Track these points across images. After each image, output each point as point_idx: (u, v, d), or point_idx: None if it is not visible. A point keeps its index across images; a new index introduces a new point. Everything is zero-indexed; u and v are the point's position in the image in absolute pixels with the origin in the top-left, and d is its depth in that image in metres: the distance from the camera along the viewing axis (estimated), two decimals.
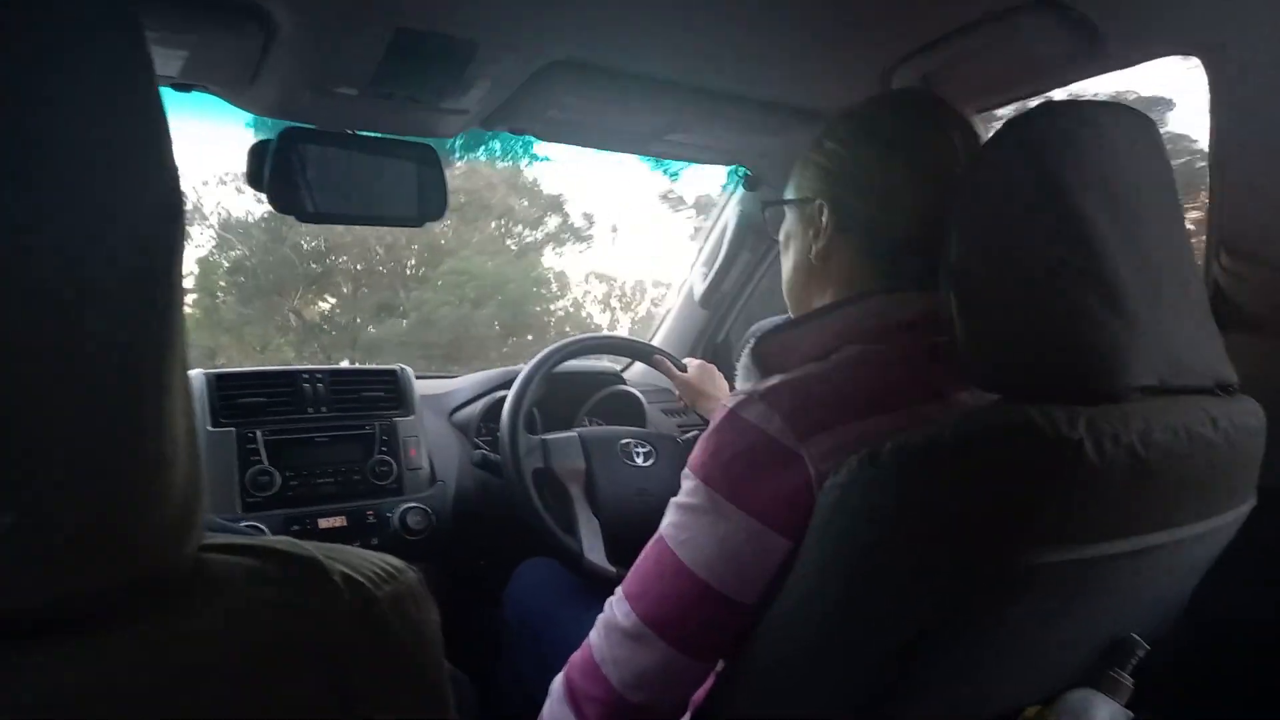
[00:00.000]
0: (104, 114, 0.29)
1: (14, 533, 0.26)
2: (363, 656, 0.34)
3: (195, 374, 1.38)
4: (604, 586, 0.99)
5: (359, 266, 8.84)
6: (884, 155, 0.78)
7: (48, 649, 0.28)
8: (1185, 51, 0.94)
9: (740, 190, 1.67)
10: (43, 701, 0.28)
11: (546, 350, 1.45)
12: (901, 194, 0.77)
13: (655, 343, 1.91)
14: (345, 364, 1.55)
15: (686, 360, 1.52)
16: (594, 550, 1.29)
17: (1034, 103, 0.65)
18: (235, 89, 1.03)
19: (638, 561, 0.77)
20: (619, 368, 1.94)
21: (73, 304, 0.27)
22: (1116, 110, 0.65)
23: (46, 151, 0.27)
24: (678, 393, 1.52)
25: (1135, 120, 0.66)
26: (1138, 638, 0.71)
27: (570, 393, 1.73)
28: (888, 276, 0.79)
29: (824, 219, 0.81)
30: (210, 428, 1.32)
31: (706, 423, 0.75)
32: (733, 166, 1.63)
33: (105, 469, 0.28)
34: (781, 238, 0.90)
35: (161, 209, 0.30)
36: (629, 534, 1.14)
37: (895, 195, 0.78)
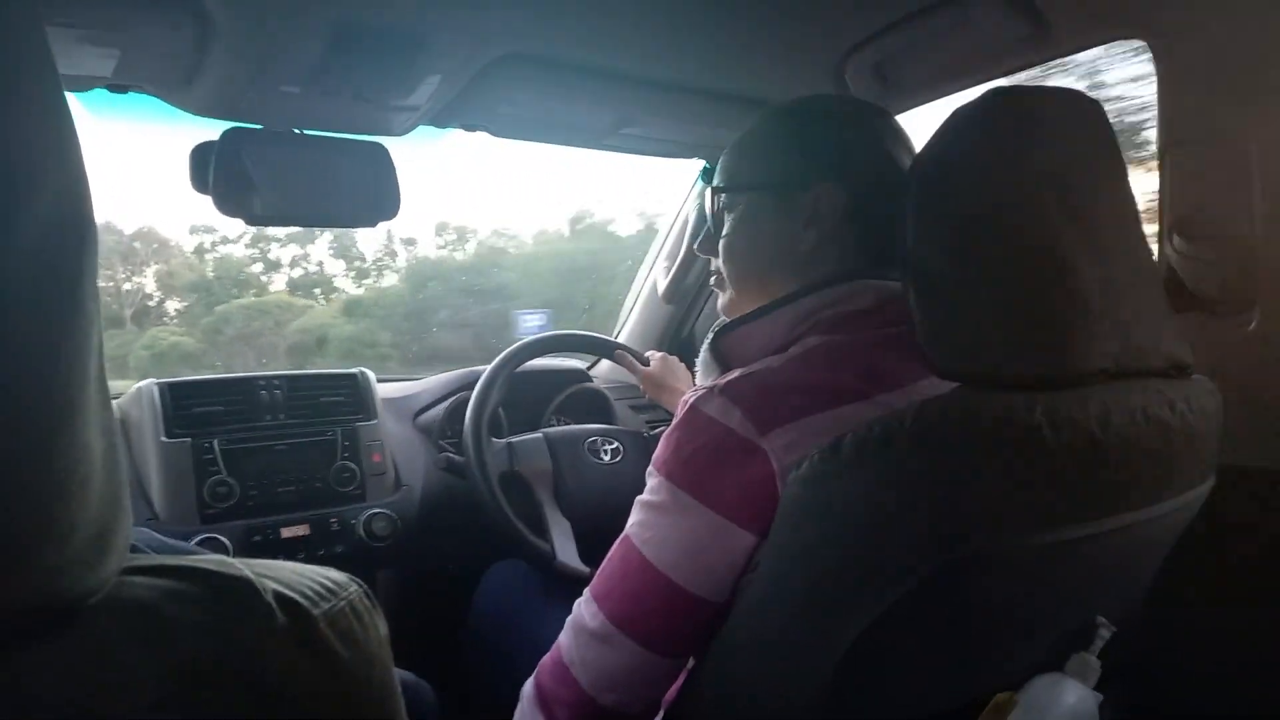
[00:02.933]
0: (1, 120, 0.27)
1: None
2: (298, 677, 0.33)
3: (148, 384, 1.35)
4: (576, 587, 0.98)
5: None
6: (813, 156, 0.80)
7: None
8: (1131, 35, 0.95)
9: (700, 183, 1.66)
10: None
11: (508, 351, 1.43)
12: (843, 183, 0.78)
13: (620, 339, 1.89)
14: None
15: (649, 354, 1.51)
16: (565, 551, 1.28)
17: (984, 89, 0.65)
18: (173, 89, 1.00)
19: (604, 562, 0.76)
20: (586, 365, 1.93)
21: None
22: (1065, 95, 0.65)
23: None
24: (642, 387, 1.50)
25: (1084, 104, 0.66)
26: (1103, 620, 0.71)
27: (536, 392, 1.71)
28: (842, 263, 0.79)
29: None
30: (165, 439, 1.29)
31: (673, 417, 0.74)
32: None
33: (9, 491, 0.27)
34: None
35: (66, 217, 0.29)
36: (600, 532, 1.13)
37: (828, 189, 0.79)
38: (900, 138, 0.82)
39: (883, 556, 0.60)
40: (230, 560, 0.35)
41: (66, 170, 0.29)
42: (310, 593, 0.35)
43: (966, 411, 0.57)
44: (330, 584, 0.36)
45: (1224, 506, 0.73)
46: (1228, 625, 0.88)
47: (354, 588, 0.38)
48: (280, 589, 0.34)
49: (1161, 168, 0.94)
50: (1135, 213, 0.68)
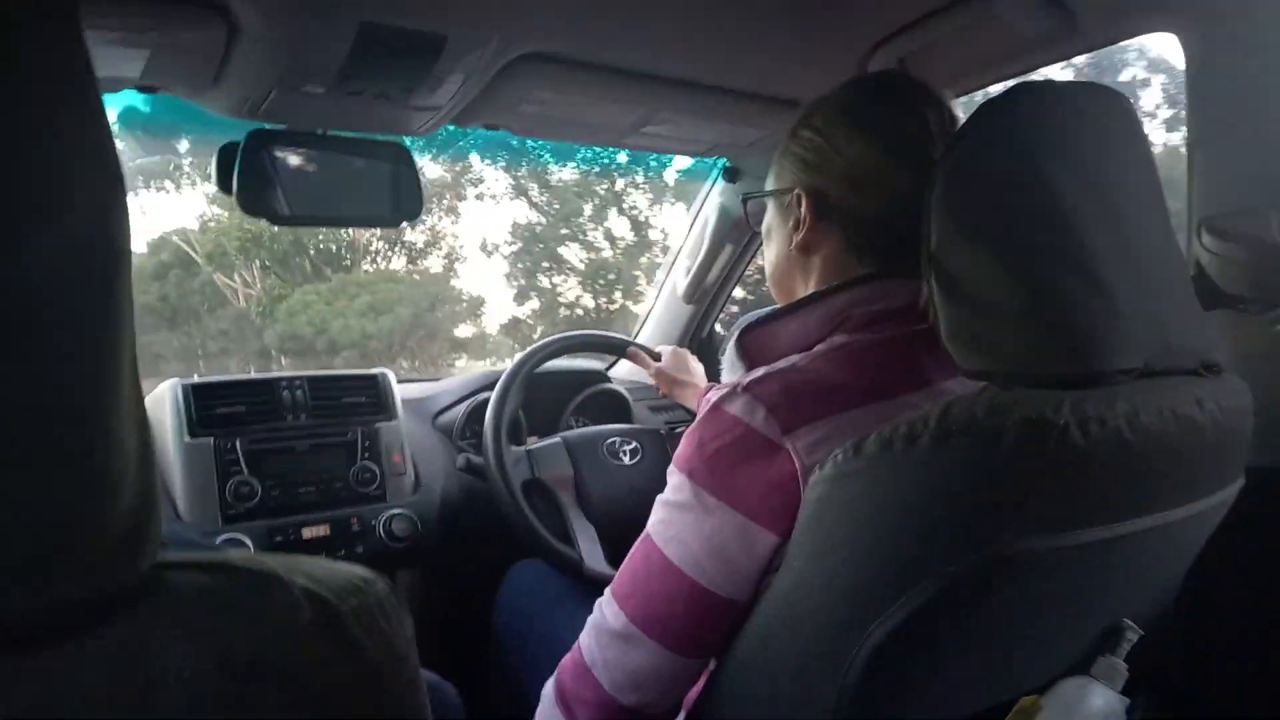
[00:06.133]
0: (37, 113, 0.27)
1: None
2: (327, 672, 0.33)
3: (172, 384, 1.36)
4: (599, 588, 0.99)
5: None
6: (860, 140, 0.77)
7: None
8: (1161, 29, 0.93)
9: (720, 182, 1.66)
10: None
11: (523, 354, 1.43)
12: (880, 179, 0.76)
13: (640, 340, 1.89)
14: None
15: (660, 349, 1.50)
16: (593, 556, 1.28)
17: (1011, 84, 0.64)
18: (199, 89, 1.02)
19: (625, 561, 0.76)
20: (605, 366, 1.93)
21: (6, 314, 0.26)
22: (1092, 90, 0.64)
23: None
24: (656, 384, 1.50)
25: (1112, 100, 0.65)
26: (1130, 623, 0.70)
27: (555, 394, 1.72)
28: (871, 264, 0.78)
29: (803, 209, 0.80)
30: (188, 439, 1.30)
31: (691, 415, 0.74)
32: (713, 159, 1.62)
33: (48, 486, 0.28)
34: (764, 230, 0.90)
35: (100, 212, 0.29)
36: (624, 533, 1.13)
37: (873, 180, 0.77)
38: (886, 133, 0.77)
39: (906, 558, 0.59)
40: (260, 555, 0.35)
41: (105, 169, 0.30)
42: (338, 588, 0.35)
43: (992, 410, 0.56)
44: (358, 580, 0.37)
45: (1254, 508, 0.72)
46: (1258, 629, 0.87)
47: (381, 585, 0.38)
48: (308, 584, 0.34)
49: (1190, 163, 0.93)
50: (1164, 209, 0.67)
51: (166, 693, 0.29)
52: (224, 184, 1.08)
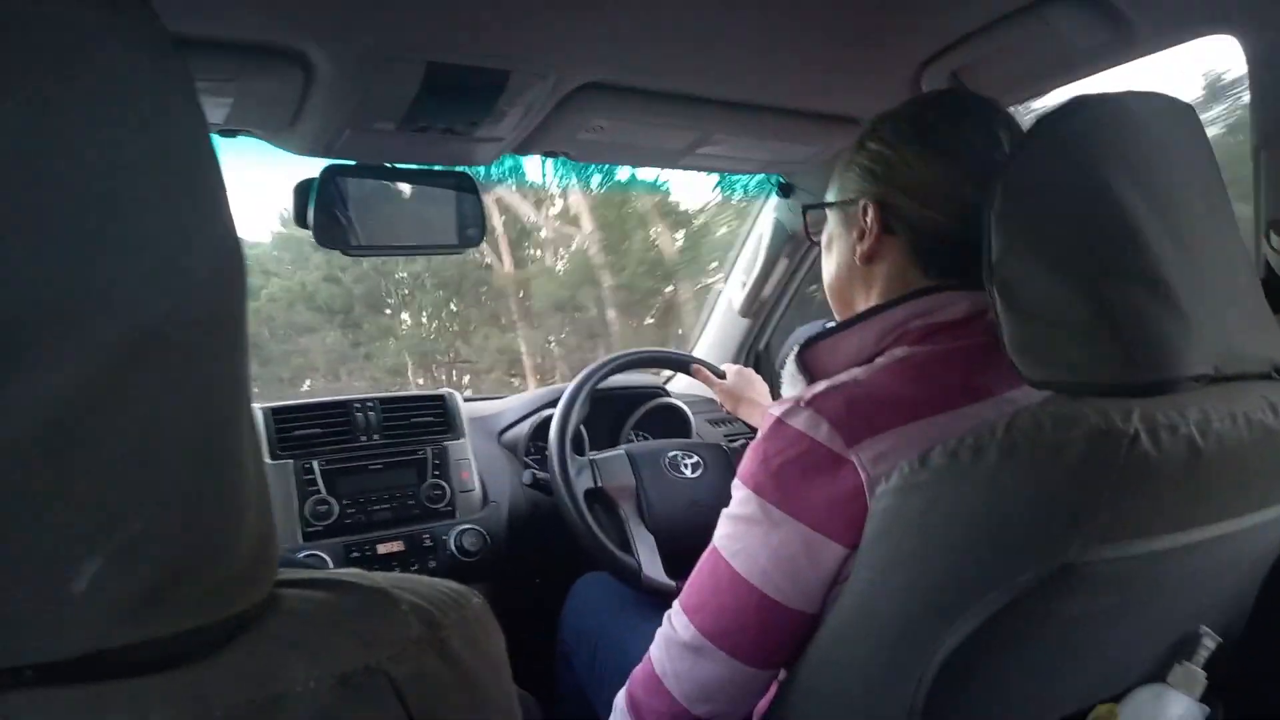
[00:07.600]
0: (159, 166, 0.30)
1: (100, 578, 0.27)
2: (433, 684, 0.34)
3: (253, 408, 1.42)
4: (663, 601, 1.00)
5: None
6: (930, 153, 0.78)
7: (130, 687, 0.29)
8: (1219, 31, 0.92)
9: (775, 198, 1.67)
10: None
11: (587, 369, 1.46)
12: (948, 192, 0.77)
13: (696, 354, 1.91)
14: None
15: (724, 367, 1.51)
16: (651, 566, 1.29)
17: (1066, 93, 0.65)
18: (277, 131, 1.07)
19: (693, 574, 0.77)
20: (661, 381, 1.95)
21: (144, 354, 0.28)
22: (1152, 99, 0.64)
23: (107, 208, 0.28)
24: (719, 401, 1.51)
25: (1173, 108, 0.65)
26: (1208, 630, 0.69)
27: (615, 409, 1.74)
28: (936, 276, 0.78)
29: (869, 219, 0.81)
30: (270, 460, 1.36)
31: (753, 430, 0.75)
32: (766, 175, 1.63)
33: (186, 515, 0.29)
34: (824, 240, 0.90)
35: (221, 255, 0.31)
36: (684, 546, 1.15)
37: (942, 193, 0.77)
38: (956, 148, 0.78)
39: (975, 569, 0.59)
40: (366, 573, 0.37)
41: (219, 208, 0.32)
42: (441, 603, 0.36)
43: (1060, 421, 0.56)
44: (455, 595, 0.38)
45: None
46: None
47: (476, 599, 0.39)
48: (414, 599, 0.36)
49: (1256, 167, 0.91)
50: (1230, 215, 0.67)
51: (292, 708, 0.30)
52: (300, 218, 1.13)
